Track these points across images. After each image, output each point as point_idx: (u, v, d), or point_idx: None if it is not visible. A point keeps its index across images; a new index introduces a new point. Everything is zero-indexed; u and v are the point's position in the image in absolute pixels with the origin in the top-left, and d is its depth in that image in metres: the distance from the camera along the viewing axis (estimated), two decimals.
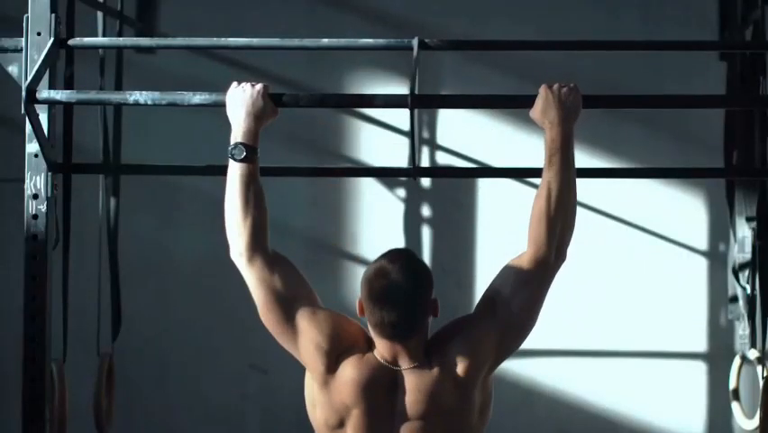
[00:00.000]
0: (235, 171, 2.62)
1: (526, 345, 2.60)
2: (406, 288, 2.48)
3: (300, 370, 2.60)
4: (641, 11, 4.88)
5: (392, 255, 2.54)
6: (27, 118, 3.13)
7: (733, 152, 4.49)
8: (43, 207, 3.25)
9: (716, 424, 4.84)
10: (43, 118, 3.21)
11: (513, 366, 4.79)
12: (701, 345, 4.87)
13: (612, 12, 4.87)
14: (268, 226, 2.61)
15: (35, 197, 3.25)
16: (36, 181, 3.24)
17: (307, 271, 2.62)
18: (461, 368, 2.48)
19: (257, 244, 2.57)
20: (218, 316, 4.86)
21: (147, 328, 4.83)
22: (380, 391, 2.49)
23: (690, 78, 4.72)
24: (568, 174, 2.60)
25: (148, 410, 4.88)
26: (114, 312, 4.25)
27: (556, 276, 2.59)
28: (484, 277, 4.72)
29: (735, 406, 4.44)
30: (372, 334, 2.52)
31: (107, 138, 4.19)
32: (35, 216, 3.25)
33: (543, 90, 2.72)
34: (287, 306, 2.54)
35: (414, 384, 2.49)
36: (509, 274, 2.57)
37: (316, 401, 2.52)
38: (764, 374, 4.20)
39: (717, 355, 4.83)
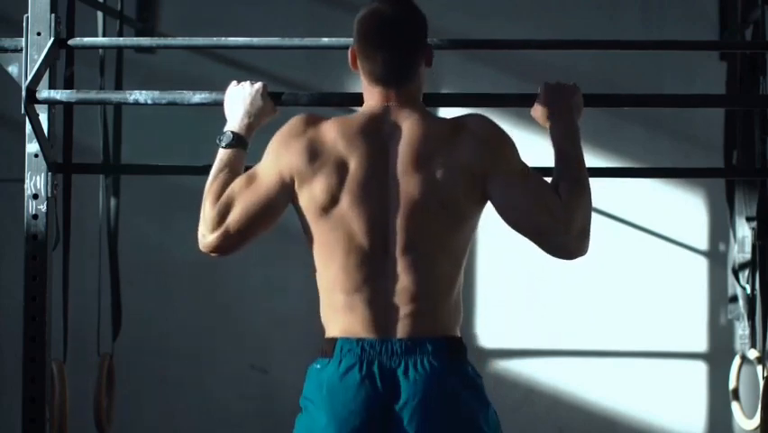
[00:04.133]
0: (219, 157, 2.58)
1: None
2: (400, 24, 2.42)
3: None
4: (641, 11, 4.88)
5: None
6: (27, 118, 3.13)
7: (733, 152, 4.50)
8: (43, 207, 3.24)
9: (716, 424, 4.84)
10: (43, 118, 3.21)
11: (513, 366, 4.79)
12: (701, 345, 4.87)
13: (612, 12, 4.87)
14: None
15: (35, 197, 3.24)
16: (36, 181, 3.24)
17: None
18: (465, 156, 2.44)
19: (218, 227, 2.49)
20: (218, 316, 4.85)
21: (147, 328, 4.83)
22: (372, 141, 2.38)
23: (690, 78, 4.72)
24: (584, 171, 2.59)
25: (148, 410, 4.88)
26: (114, 312, 4.25)
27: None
28: (484, 277, 4.72)
29: (735, 406, 4.44)
30: (366, 84, 2.45)
31: (107, 138, 4.19)
32: (35, 216, 3.24)
33: (543, 89, 2.71)
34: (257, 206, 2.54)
35: (408, 131, 2.39)
36: (538, 183, 2.54)
37: (308, 205, 2.52)
38: (764, 374, 4.20)
39: (717, 355, 4.82)
